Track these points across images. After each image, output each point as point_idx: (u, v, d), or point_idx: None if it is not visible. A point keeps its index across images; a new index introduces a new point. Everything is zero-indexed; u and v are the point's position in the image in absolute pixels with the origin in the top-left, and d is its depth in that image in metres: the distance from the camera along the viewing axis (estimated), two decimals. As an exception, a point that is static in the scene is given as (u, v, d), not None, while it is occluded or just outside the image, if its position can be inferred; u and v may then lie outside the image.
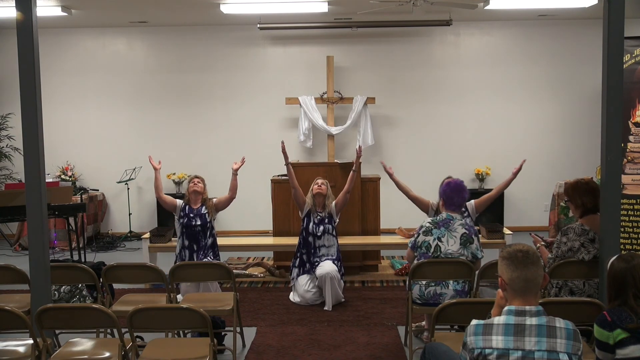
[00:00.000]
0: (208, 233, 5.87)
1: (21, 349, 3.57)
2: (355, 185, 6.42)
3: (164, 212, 8.67)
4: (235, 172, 5.95)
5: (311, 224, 5.90)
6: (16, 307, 3.75)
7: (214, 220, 5.96)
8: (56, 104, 9.09)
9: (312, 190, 5.97)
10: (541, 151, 9.13)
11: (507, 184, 5.77)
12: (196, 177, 6.00)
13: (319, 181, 5.99)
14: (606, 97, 4.02)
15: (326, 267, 5.71)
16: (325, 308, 5.63)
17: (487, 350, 2.52)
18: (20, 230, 8.56)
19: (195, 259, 5.76)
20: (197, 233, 5.82)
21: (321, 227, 5.88)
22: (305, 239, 5.92)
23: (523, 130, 9.19)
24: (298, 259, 5.96)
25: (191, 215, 5.84)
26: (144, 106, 9.29)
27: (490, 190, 6.50)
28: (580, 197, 4.32)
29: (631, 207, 5.68)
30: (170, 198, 6.02)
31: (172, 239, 6.58)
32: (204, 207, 5.88)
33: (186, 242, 5.85)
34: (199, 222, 5.81)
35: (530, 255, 2.59)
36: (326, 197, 5.95)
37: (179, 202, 5.96)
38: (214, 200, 6.00)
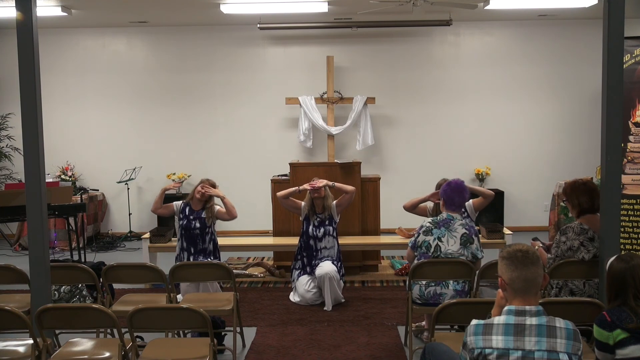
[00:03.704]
0: (207, 238, 5.80)
1: (21, 349, 3.58)
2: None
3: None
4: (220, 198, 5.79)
5: (311, 226, 5.87)
6: (16, 307, 3.74)
7: (214, 224, 5.90)
8: (56, 104, 9.09)
9: (309, 192, 5.92)
10: (541, 151, 9.13)
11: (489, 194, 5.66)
12: (208, 180, 5.86)
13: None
14: (606, 97, 4.02)
15: (325, 267, 5.70)
16: (325, 308, 5.62)
17: (487, 350, 2.52)
18: (20, 230, 8.56)
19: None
20: (195, 236, 5.77)
21: (322, 229, 5.85)
22: (306, 242, 5.89)
23: (523, 130, 9.18)
24: (299, 262, 5.94)
25: (191, 217, 5.79)
26: (144, 106, 9.28)
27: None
28: (577, 197, 4.31)
29: (631, 207, 5.68)
30: (166, 207, 5.90)
31: (172, 239, 6.58)
32: (204, 212, 5.82)
33: (185, 245, 5.79)
34: (197, 225, 5.76)
35: (530, 255, 2.59)
36: (325, 198, 5.90)
37: (177, 203, 5.88)
38: (216, 208, 5.89)
